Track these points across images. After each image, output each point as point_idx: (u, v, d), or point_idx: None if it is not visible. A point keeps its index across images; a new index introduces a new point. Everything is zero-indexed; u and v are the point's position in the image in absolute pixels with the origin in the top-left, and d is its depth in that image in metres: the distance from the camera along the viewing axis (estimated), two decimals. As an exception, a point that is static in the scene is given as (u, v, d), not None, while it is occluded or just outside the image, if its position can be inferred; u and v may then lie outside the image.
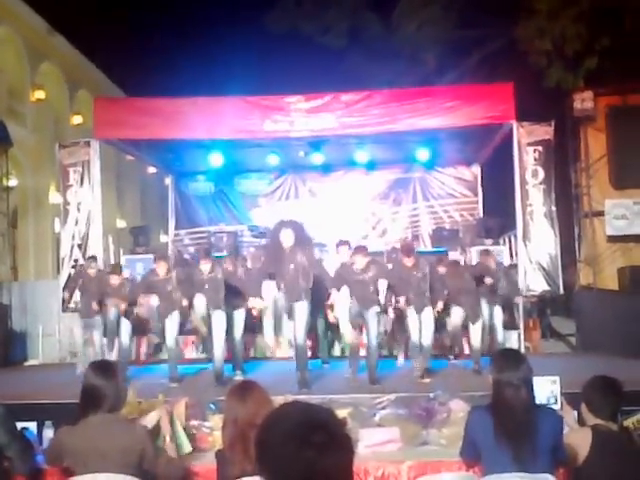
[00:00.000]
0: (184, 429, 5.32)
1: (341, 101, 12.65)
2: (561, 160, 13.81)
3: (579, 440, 4.16)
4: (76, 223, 12.76)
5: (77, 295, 11.51)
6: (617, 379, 4.39)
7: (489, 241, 13.41)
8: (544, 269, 12.15)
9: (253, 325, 11.45)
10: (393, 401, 6.10)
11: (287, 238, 8.87)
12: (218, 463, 4.12)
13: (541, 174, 12.31)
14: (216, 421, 5.26)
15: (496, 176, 15.66)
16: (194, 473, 4.80)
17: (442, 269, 10.36)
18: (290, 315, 9.03)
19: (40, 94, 22.21)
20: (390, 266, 10.26)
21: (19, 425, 4.92)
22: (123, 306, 9.89)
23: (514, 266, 12.38)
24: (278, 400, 4.47)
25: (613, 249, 14.37)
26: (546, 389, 5.35)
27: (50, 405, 7.65)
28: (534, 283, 12.16)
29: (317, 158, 14.96)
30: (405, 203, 16.63)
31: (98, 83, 26.75)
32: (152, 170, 24.36)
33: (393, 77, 19.62)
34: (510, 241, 13.46)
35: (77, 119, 24.23)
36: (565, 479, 4.26)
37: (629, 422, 5.50)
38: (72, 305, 12.07)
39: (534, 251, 12.13)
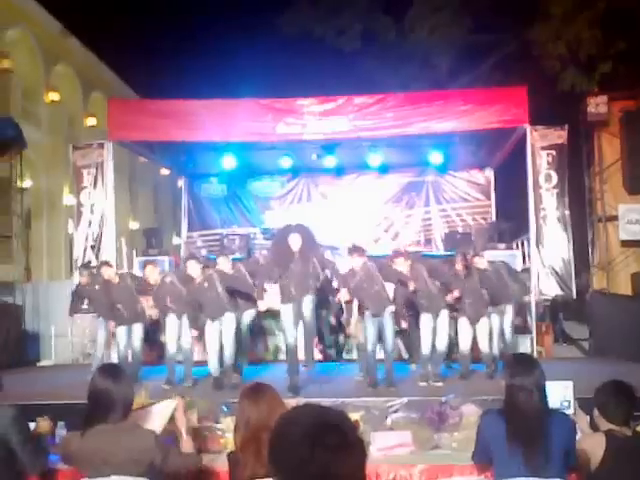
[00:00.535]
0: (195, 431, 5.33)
1: (354, 104, 12.64)
2: (574, 164, 13.75)
3: (593, 445, 4.14)
4: (89, 225, 12.81)
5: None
6: (630, 384, 4.38)
7: (502, 245, 13.37)
8: (557, 273, 12.11)
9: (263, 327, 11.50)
10: (405, 405, 6.10)
11: (295, 242, 9.09)
12: (230, 465, 4.11)
13: (554, 178, 12.27)
14: (228, 423, 5.28)
15: (509, 180, 15.61)
16: (205, 468, 4.78)
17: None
18: (297, 317, 9.11)
19: (54, 96, 22.31)
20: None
21: (32, 425, 4.94)
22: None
23: (525, 270, 12.36)
24: (290, 403, 4.48)
25: (627, 254, 14.29)
26: (559, 394, 5.33)
27: (63, 405, 7.68)
28: (547, 287, 12.12)
29: (330, 161, 14.96)
30: (418, 206, 16.60)
31: (112, 85, 26.86)
32: (165, 172, 24.40)
33: (406, 80, 19.65)
34: (523, 245, 13.41)
35: (91, 121, 24.32)
36: (577, 484, 4.24)
37: (642, 428, 5.48)
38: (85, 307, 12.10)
39: (547, 255, 12.10)
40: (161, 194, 31.01)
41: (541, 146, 12.28)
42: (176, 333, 9.79)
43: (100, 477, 4.01)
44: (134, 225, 26.70)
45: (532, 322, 11.85)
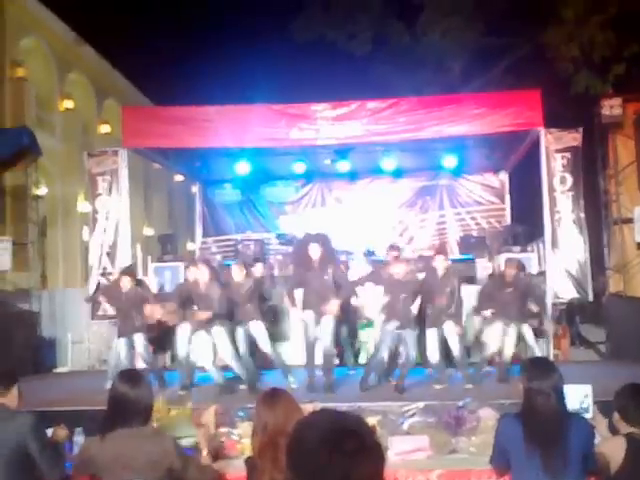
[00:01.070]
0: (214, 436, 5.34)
1: (367, 109, 12.63)
2: (589, 167, 13.70)
3: (612, 449, 4.12)
4: (104, 231, 12.85)
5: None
6: (650, 387, 4.35)
7: (517, 248, 13.33)
8: (573, 276, 12.06)
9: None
10: (422, 409, 6.08)
11: (315, 251, 9.35)
12: (247, 471, 4.11)
13: (569, 181, 12.23)
14: (245, 428, 5.28)
15: (524, 183, 15.58)
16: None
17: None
18: (317, 322, 9.31)
19: (68, 103, 22.41)
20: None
21: (49, 432, 4.96)
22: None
23: (541, 273, 12.31)
24: (307, 408, 4.48)
25: (643, 256, 14.22)
26: (577, 397, 5.31)
27: (80, 412, 7.71)
28: (563, 290, 12.07)
29: (343, 166, 14.96)
30: (432, 210, 16.60)
31: (125, 92, 26.95)
32: (179, 178, 24.45)
33: (419, 84, 19.62)
34: (538, 248, 13.36)
35: (105, 128, 24.41)
36: (596, 488, 4.21)
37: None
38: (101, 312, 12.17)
39: (563, 258, 12.05)
40: (175, 200, 31.06)
41: (555, 149, 12.24)
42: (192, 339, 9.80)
43: None
44: (149, 231, 26.75)
45: (549, 325, 11.80)
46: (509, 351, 9.68)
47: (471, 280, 12.42)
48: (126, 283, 10.19)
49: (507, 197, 16.31)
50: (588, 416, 4.96)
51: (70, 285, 20.65)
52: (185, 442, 5.10)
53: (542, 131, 12.19)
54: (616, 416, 4.33)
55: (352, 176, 16.13)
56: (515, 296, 9.72)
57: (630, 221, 14.07)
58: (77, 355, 13.54)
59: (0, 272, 14.33)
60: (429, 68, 20.69)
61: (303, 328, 9.66)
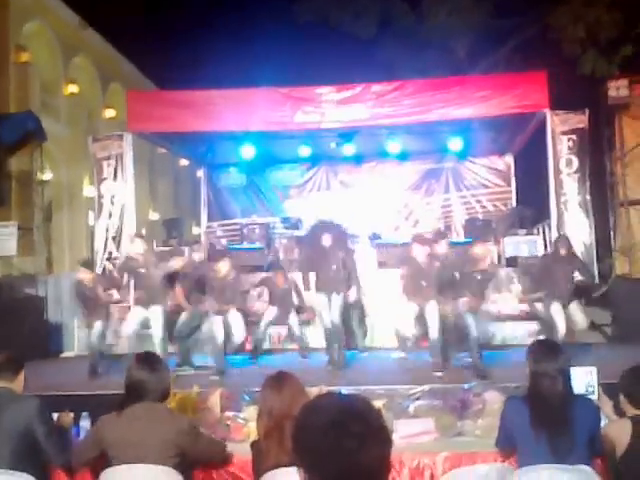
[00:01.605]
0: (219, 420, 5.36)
1: (372, 92, 12.58)
2: (596, 149, 13.62)
3: (618, 431, 4.11)
4: (110, 216, 12.87)
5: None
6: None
7: (523, 231, 13.30)
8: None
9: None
10: (427, 392, 6.09)
11: (326, 238, 9.63)
12: (253, 454, 4.13)
13: (575, 163, 12.18)
14: (251, 412, 5.28)
15: (529, 165, 15.50)
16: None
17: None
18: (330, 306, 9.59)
19: (73, 88, 22.38)
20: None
21: (56, 416, 4.98)
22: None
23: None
24: (313, 391, 4.48)
25: (649, 238, 14.18)
26: (583, 380, 5.30)
27: (86, 396, 7.74)
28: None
29: (348, 149, 14.93)
30: (437, 193, 16.56)
31: (130, 76, 26.89)
32: (184, 162, 24.47)
33: (425, 66, 19.52)
34: (544, 231, 13.33)
35: (110, 112, 24.39)
36: (602, 470, 4.20)
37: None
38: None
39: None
40: (180, 184, 31.06)
41: (562, 131, 12.18)
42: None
43: (127, 460, 4.06)
44: (154, 216, 26.78)
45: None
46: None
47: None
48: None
49: (513, 180, 16.26)
50: (594, 398, 4.95)
51: (76, 270, 20.62)
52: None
53: (548, 113, 12.13)
54: (622, 398, 4.32)
55: (357, 159, 16.10)
56: (567, 274, 9.70)
57: (636, 203, 14.02)
58: (83, 340, 13.55)
59: (6, 257, 14.34)
60: (434, 50, 20.56)
61: (317, 313, 9.99)
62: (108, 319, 10.28)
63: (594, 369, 5.43)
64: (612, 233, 14.25)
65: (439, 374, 8.73)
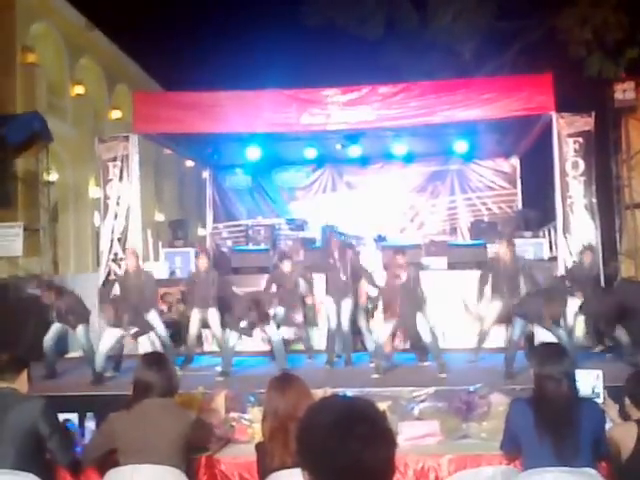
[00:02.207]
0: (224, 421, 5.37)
1: (378, 93, 12.57)
2: (602, 151, 13.59)
3: (624, 434, 4.11)
4: (115, 217, 12.86)
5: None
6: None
7: (528, 233, 13.28)
8: (584, 261, 12.00)
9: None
10: (432, 394, 6.06)
11: (334, 242, 10.09)
12: (258, 455, 4.13)
13: (581, 166, 12.15)
14: (255, 413, 5.28)
15: (535, 168, 15.48)
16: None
17: None
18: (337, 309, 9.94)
19: (79, 89, 22.48)
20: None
21: (61, 417, 4.98)
22: None
23: (553, 259, 12.26)
24: (318, 393, 4.49)
25: (655, 241, 14.15)
26: (588, 383, 5.29)
27: (91, 397, 7.75)
28: (574, 276, 12.02)
29: (354, 151, 14.94)
30: (443, 196, 16.56)
31: (136, 78, 26.95)
32: (190, 164, 24.52)
33: (431, 69, 19.52)
34: (550, 233, 13.31)
35: (116, 114, 24.48)
36: (607, 473, 4.19)
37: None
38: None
39: (574, 243, 11.97)
40: (186, 186, 31.10)
41: (568, 133, 12.15)
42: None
43: (134, 457, 4.09)
44: (160, 217, 26.83)
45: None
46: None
47: (482, 266, 12.37)
48: None
49: (518, 182, 16.24)
50: (599, 401, 4.94)
51: (81, 270, 20.72)
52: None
53: (554, 115, 12.10)
54: (627, 402, 4.31)
55: (363, 161, 16.09)
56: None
57: (642, 206, 14.00)
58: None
59: (12, 257, 14.37)
60: (440, 52, 20.56)
61: (324, 314, 10.20)
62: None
63: (600, 372, 5.42)
64: (618, 236, 14.22)
65: (444, 375, 8.75)
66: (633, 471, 4.03)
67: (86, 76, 23.45)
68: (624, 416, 4.47)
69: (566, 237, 12.01)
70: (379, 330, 9.58)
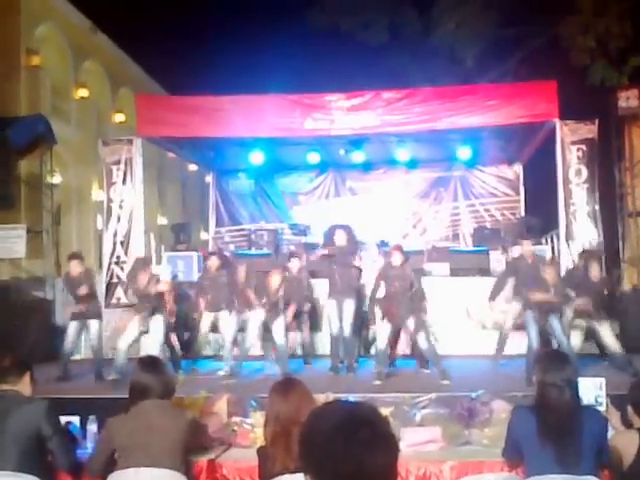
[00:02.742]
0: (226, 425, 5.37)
1: (382, 99, 12.59)
2: (605, 159, 13.59)
3: (626, 443, 4.10)
4: (118, 220, 12.88)
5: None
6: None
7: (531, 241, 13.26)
8: (587, 269, 11.99)
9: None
10: (434, 400, 6.06)
11: (340, 239, 9.98)
12: (260, 460, 4.13)
13: (584, 173, 12.15)
14: (258, 418, 5.28)
15: (538, 175, 15.48)
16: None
17: None
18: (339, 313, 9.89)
19: (83, 92, 22.51)
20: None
21: (63, 419, 4.98)
22: None
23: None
24: (320, 398, 4.48)
25: (658, 249, 14.13)
26: (591, 390, 5.29)
27: (93, 400, 7.74)
28: (577, 283, 12.00)
29: (358, 156, 14.93)
30: (446, 202, 16.55)
31: (140, 81, 26.98)
32: (193, 167, 24.51)
33: (434, 75, 19.52)
34: (552, 241, 13.30)
35: (119, 117, 24.50)
36: (610, 482, 4.20)
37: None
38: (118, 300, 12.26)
39: (577, 251, 11.96)
40: (189, 190, 31.10)
41: (571, 141, 12.16)
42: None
43: (135, 459, 4.10)
44: (162, 220, 26.83)
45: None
46: None
47: (485, 272, 12.37)
48: None
49: (521, 189, 16.23)
50: (601, 409, 4.94)
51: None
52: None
53: (557, 123, 12.11)
54: (630, 410, 4.31)
55: (366, 167, 16.10)
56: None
57: (645, 214, 13.99)
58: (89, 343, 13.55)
59: (14, 260, 14.37)
60: (444, 58, 20.57)
61: (327, 318, 10.23)
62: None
63: (603, 380, 5.42)
64: (621, 244, 14.20)
65: (447, 382, 8.73)
66: (635, 479, 4.02)
67: (90, 79, 23.48)
68: (626, 424, 4.46)
69: (569, 244, 12.01)
70: (380, 336, 9.56)
